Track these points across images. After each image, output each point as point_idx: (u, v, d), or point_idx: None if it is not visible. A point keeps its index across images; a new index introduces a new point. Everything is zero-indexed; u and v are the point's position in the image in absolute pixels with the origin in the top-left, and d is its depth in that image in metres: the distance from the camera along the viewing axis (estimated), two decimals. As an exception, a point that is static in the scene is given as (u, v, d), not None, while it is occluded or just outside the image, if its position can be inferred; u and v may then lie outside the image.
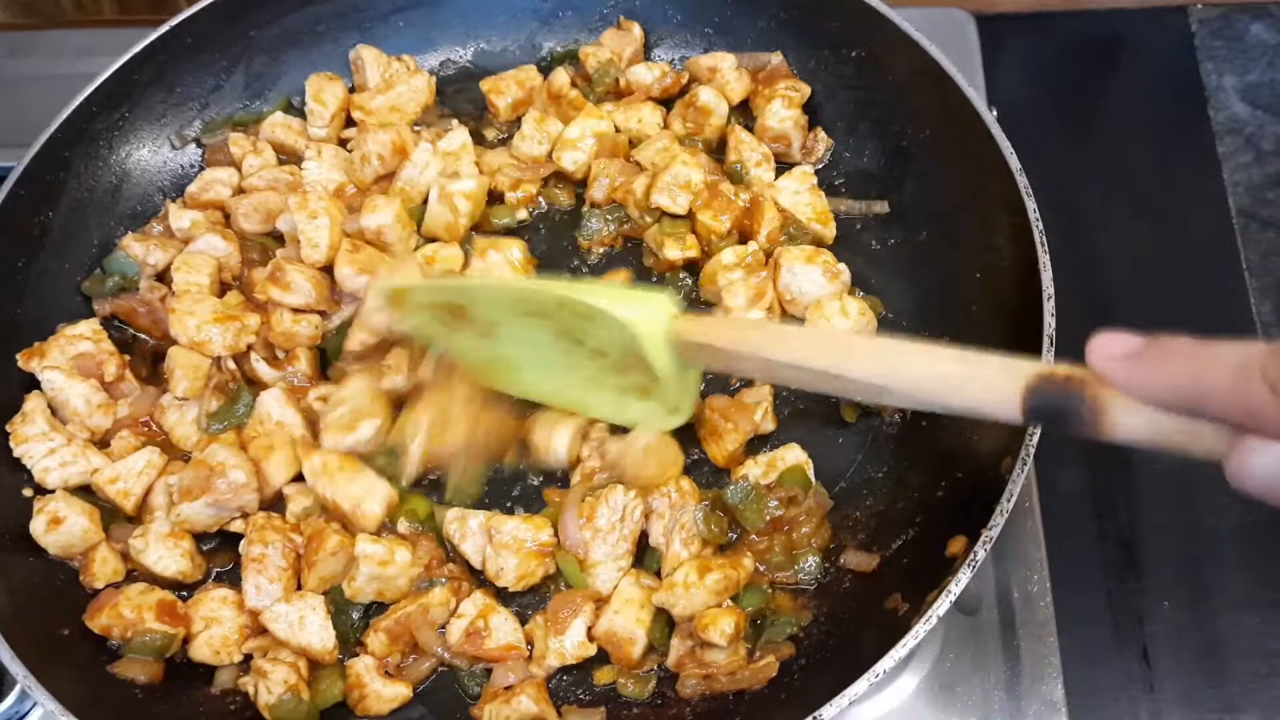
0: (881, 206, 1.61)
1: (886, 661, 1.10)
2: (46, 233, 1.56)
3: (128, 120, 1.66)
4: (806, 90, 1.69)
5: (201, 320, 1.48)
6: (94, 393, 1.47)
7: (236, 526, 1.40)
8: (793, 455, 1.39)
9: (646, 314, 1.19)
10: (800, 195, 1.58)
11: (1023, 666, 1.36)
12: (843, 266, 1.51)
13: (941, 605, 1.12)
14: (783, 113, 1.65)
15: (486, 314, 1.33)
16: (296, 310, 1.53)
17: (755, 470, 1.38)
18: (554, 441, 1.41)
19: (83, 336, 1.49)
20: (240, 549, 1.37)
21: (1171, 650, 1.44)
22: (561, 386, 1.36)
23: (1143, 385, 0.81)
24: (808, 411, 1.49)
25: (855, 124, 1.67)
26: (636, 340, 1.18)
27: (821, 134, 1.68)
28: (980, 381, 0.95)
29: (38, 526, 1.36)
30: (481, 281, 1.38)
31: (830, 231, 1.58)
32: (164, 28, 1.65)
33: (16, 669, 1.19)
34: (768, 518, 1.34)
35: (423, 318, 1.40)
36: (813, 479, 1.38)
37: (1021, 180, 1.35)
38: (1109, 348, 0.83)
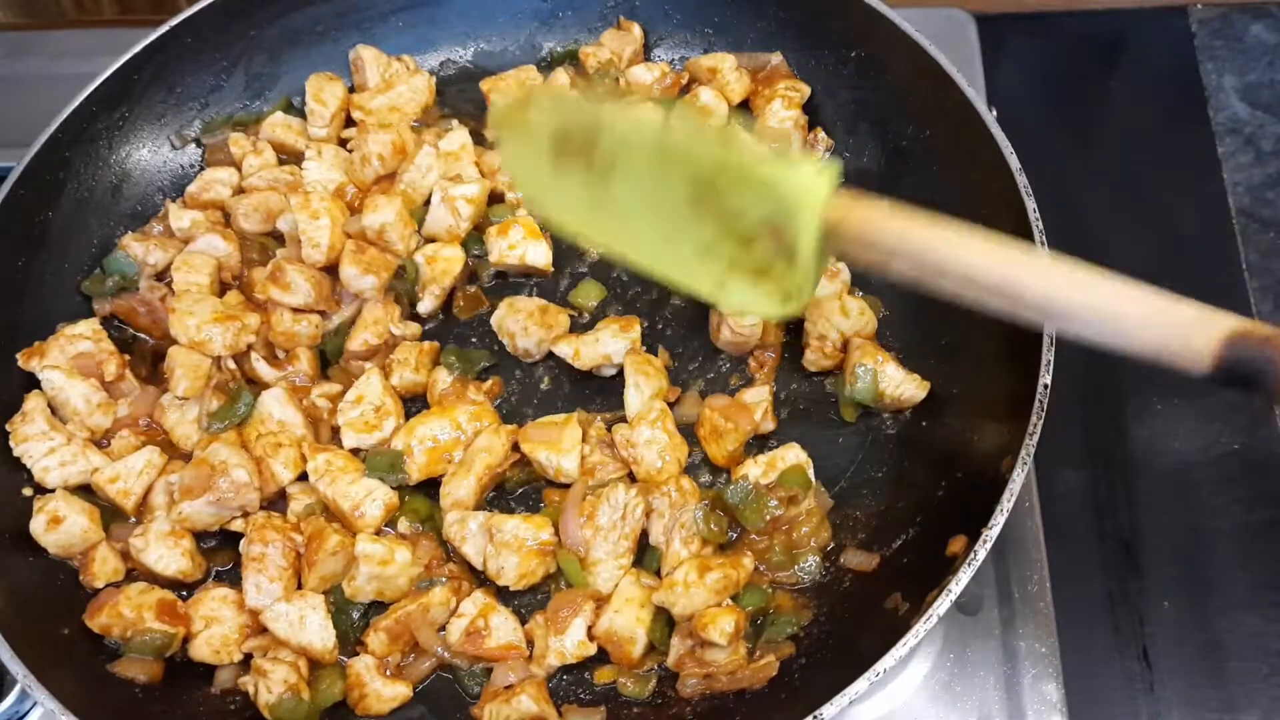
0: None
1: (887, 660, 1.10)
2: (46, 232, 1.57)
3: (128, 120, 1.66)
4: (806, 90, 1.69)
5: (201, 320, 1.48)
6: (94, 392, 1.48)
7: (237, 525, 1.40)
8: (793, 455, 1.39)
9: (811, 183, 1.03)
10: None
11: (1023, 666, 1.36)
12: (841, 265, 1.51)
13: (942, 604, 1.12)
14: (783, 113, 1.65)
15: (614, 148, 1.16)
16: (296, 310, 1.53)
17: (755, 470, 1.38)
18: (563, 463, 1.40)
19: (83, 336, 1.50)
20: (240, 548, 1.37)
21: (1172, 650, 1.44)
22: (668, 249, 1.17)
23: None
24: (807, 411, 1.49)
25: (855, 124, 1.67)
26: (789, 209, 1.04)
27: (821, 134, 1.68)
28: (1169, 327, 0.88)
29: (38, 526, 1.36)
30: (630, 115, 1.18)
31: None
32: (164, 27, 1.65)
33: (16, 668, 1.19)
34: (768, 517, 1.34)
35: (530, 146, 1.22)
36: (813, 479, 1.38)
37: (1021, 180, 1.35)
38: None
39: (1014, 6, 2.04)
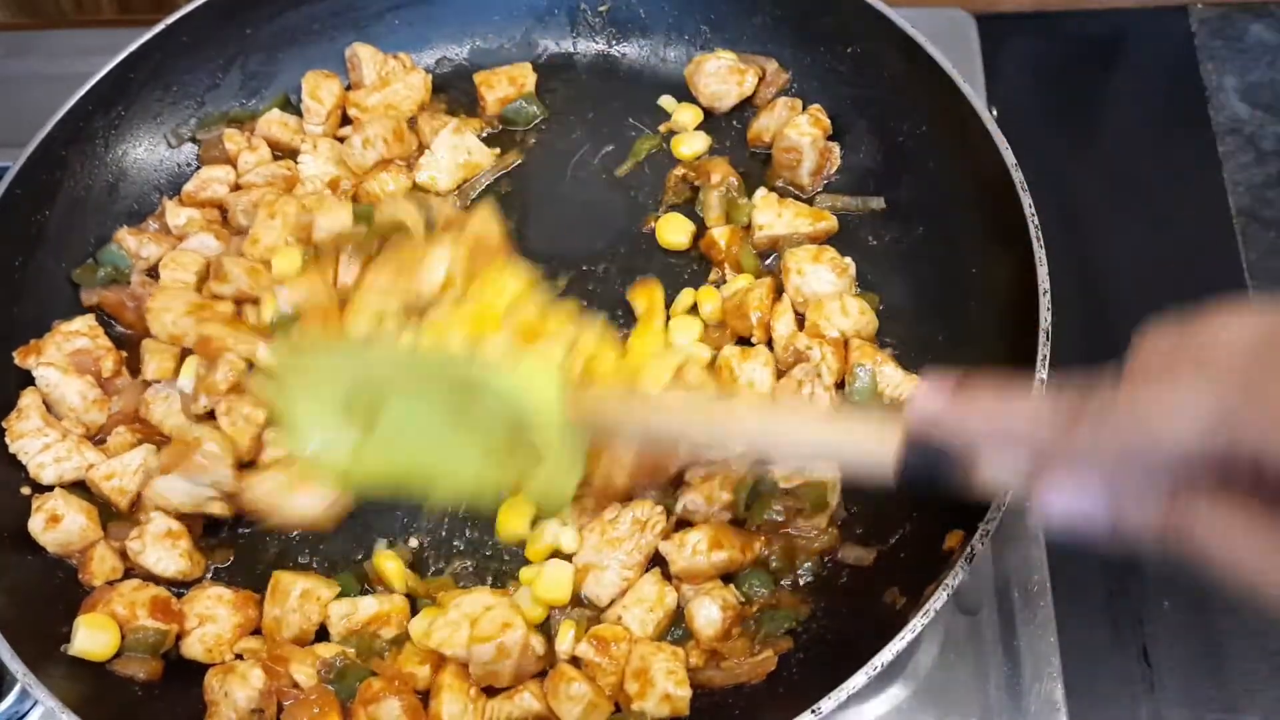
0: (878, 203, 1.63)
1: (885, 655, 1.13)
2: (43, 231, 1.60)
3: (124, 119, 1.69)
4: (828, 124, 1.68)
5: (177, 315, 1.51)
6: (89, 389, 1.50)
7: (214, 509, 1.43)
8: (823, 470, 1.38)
9: (540, 382, 1.18)
10: (782, 217, 1.59)
11: (1023, 666, 1.38)
12: (849, 260, 1.53)
13: (939, 599, 1.15)
14: (806, 128, 1.63)
15: (380, 383, 1.27)
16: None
17: (780, 471, 1.38)
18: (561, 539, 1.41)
19: (79, 333, 1.53)
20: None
21: (1172, 650, 1.46)
22: (447, 469, 1.27)
23: (954, 428, 0.87)
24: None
25: (853, 121, 1.70)
26: (528, 412, 1.17)
27: (836, 152, 1.67)
28: (855, 443, 0.96)
29: (36, 525, 1.39)
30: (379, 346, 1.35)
31: (831, 222, 1.59)
32: (160, 26, 1.68)
33: (16, 666, 1.21)
34: (766, 517, 1.38)
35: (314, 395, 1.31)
36: (834, 501, 1.38)
37: (1017, 175, 1.37)
38: (923, 398, 0.89)
39: (1014, 6, 2.07)
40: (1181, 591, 1.50)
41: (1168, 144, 1.91)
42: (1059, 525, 0.81)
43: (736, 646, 1.31)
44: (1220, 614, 1.49)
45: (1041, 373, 1.25)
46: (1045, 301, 1.29)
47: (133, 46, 1.66)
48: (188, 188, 1.70)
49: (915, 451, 0.91)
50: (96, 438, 1.51)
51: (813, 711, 1.12)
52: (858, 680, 1.13)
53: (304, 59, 1.81)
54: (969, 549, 1.17)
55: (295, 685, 1.31)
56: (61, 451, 1.45)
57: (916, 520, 1.37)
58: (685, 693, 1.26)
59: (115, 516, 1.45)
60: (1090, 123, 1.95)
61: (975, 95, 1.47)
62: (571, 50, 1.87)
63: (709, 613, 1.32)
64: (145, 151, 1.73)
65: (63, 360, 1.51)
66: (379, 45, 1.81)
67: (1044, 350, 1.26)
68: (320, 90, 1.74)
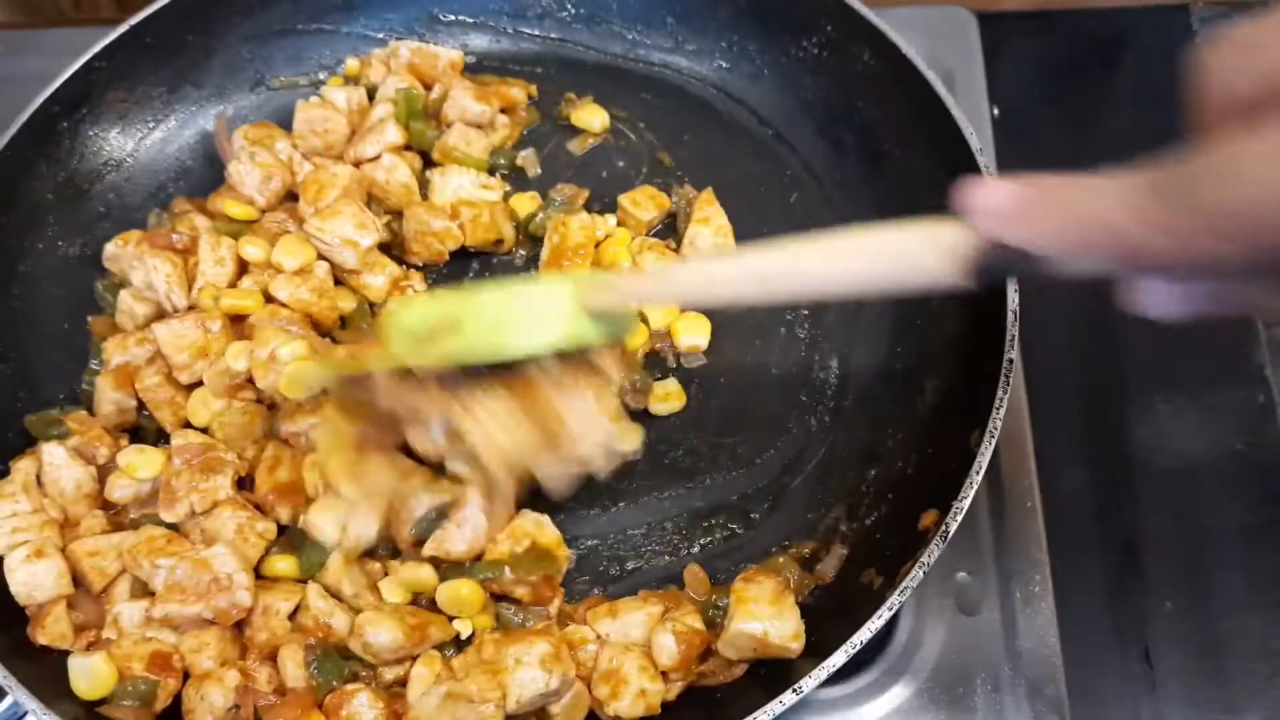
0: None
1: (863, 633, 1.24)
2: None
3: (87, 120, 1.81)
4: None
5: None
6: (89, 481, 1.54)
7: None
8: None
9: (557, 300, 1.26)
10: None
11: (1023, 667, 1.49)
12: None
13: (915, 576, 1.26)
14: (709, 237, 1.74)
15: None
16: None
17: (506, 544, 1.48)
18: None
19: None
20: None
21: (1173, 651, 1.58)
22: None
23: (1034, 242, 0.84)
24: (777, 400, 1.66)
25: (819, 110, 1.83)
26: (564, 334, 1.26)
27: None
28: (914, 254, 0.97)
29: (17, 555, 1.44)
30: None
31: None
32: (124, 27, 1.78)
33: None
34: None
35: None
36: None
37: (982, 160, 1.49)
38: (987, 203, 0.86)
39: (1016, 5, 2.22)
40: (1184, 592, 1.62)
41: (1170, 142, 2.05)
42: (1152, 316, 0.86)
43: (709, 664, 1.42)
44: (1223, 614, 1.61)
45: (1010, 353, 1.38)
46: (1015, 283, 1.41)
47: (96, 48, 1.78)
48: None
49: (992, 258, 0.90)
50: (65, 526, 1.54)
51: (794, 690, 1.23)
52: (837, 659, 1.24)
53: (273, 62, 1.97)
54: (943, 527, 1.29)
55: (277, 690, 1.42)
56: (22, 524, 1.49)
57: (890, 503, 1.49)
58: (659, 686, 1.39)
59: (83, 593, 1.48)
60: (1092, 121, 2.08)
61: (937, 80, 1.58)
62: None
63: (664, 641, 1.40)
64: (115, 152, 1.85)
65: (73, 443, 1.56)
66: (345, 37, 1.99)
67: (1013, 331, 1.39)
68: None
